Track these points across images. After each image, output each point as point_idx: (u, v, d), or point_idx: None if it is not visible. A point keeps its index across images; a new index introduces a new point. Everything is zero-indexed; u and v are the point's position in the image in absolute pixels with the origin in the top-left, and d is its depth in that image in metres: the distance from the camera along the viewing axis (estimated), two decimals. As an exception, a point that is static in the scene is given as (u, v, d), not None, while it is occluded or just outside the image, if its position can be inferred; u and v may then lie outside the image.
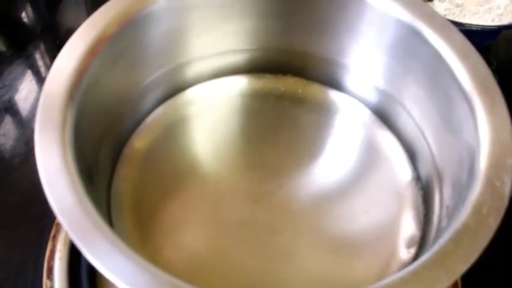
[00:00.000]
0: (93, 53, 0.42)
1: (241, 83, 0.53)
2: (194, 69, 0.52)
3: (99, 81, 0.43)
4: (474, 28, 0.57)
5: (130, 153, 0.48)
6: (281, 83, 0.54)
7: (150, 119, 0.51)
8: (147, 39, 0.48)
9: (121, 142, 0.49)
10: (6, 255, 0.52)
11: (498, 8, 0.59)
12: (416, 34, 0.45)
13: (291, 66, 0.54)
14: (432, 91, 0.47)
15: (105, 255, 0.32)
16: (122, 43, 0.45)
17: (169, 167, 0.48)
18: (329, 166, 0.48)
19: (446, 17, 0.57)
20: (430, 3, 0.59)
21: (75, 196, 0.35)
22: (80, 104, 0.40)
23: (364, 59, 0.52)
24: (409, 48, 0.47)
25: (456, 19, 0.58)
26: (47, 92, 0.39)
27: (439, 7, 0.60)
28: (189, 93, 0.53)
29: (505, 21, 0.59)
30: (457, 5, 0.59)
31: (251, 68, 0.53)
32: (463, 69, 0.43)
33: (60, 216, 0.34)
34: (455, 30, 0.45)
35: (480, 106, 0.41)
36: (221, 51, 0.53)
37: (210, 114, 0.51)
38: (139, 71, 0.49)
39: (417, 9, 0.46)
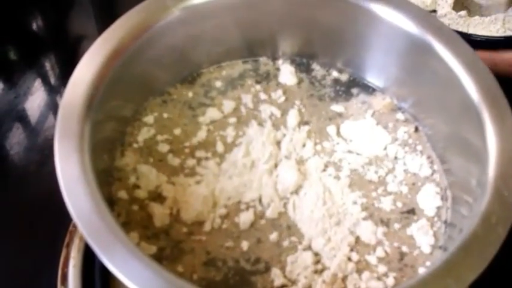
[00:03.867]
0: (109, 65, 0.44)
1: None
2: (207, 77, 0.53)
3: (115, 92, 0.44)
4: (479, 39, 0.57)
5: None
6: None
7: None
8: (162, 50, 0.49)
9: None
10: (20, 262, 0.52)
11: (504, 18, 0.59)
12: (425, 46, 0.46)
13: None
14: (441, 102, 0.47)
15: (122, 262, 0.33)
16: (137, 55, 0.46)
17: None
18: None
19: (450, 26, 0.57)
20: (433, 14, 0.59)
21: (94, 204, 0.35)
22: (97, 113, 0.41)
23: (374, 69, 0.53)
24: (418, 59, 0.48)
25: (460, 29, 0.58)
26: (66, 102, 0.40)
27: (443, 17, 0.60)
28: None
29: (511, 32, 0.60)
30: (460, 16, 0.59)
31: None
32: (471, 80, 0.44)
33: (79, 224, 0.34)
34: (463, 43, 0.46)
35: (488, 117, 0.42)
36: (234, 60, 0.55)
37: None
38: (151, 81, 0.51)
39: (426, 21, 0.47)
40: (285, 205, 0.45)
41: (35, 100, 0.67)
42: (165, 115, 0.50)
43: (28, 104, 0.66)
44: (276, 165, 0.47)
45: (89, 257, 0.47)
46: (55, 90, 0.69)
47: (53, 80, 0.70)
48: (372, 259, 0.43)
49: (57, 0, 0.80)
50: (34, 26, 0.78)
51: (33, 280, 0.51)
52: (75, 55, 0.44)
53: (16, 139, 0.62)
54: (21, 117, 0.65)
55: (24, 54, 0.73)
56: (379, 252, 0.43)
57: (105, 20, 0.46)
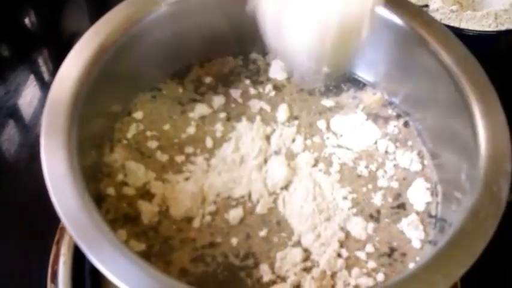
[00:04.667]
0: (97, 60, 0.43)
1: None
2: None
3: (104, 87, 0.44)
4: (471, 33, 0.57)
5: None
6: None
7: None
8: (151, 45, 0.48)
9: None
10: (10, 259, 0.52)
11: (496, 13, 0.58)
12: (416, 41, 0.46)
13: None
14: (431, 97, 0.47)
15: (110, 260, 0.33)
16: (125, 50, 0.46)
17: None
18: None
19: (442, 21, 0.57)
20: (426, 8, 0.58)
21: (81, 201, 0.35)
22: (84, 109, 0.41)
23: (364, 64, 0.52)
24: (409, 54, 0.48)
25: (452, 24, 0.58)
26: (52, 98, 0.40)
27: (435, 11, 0.59)
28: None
29: (503, 27, 0.59)
30: (452, 10, 0.59)
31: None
32: (461, 75, 0.43)
33: (66, 222, 0.34)
34: (454, 38, 0.46)
35: (478, 112, 0.42)
36: (224, 57, 0.54)
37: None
38: (140, 76, 0.50)
39: (417, 16, 0.47)
40: (274, 201, 0.45)
41: (27, 96, 0.66)
42: (155, 111, 0.50)
43: (20, 100, 0.66)
44: (265, 161, 0.47)
45: (79, 254, 0.47)
46: (48, 87, 0.68)
47: (45, 76, 0.70)
48: (361, 255, 0.42)
49: (50, -5, 0.79)
50: (27, 22, 0.78)
51: (22, 277, 0.51)
52: (69, 51, 0.43)
53: (7, 135, 0.62)
54: (12, 114, 0.64)
55: (17, 50, 0.73)
56: (369, 248, 0.43)
57: (98, 16, 0.46)
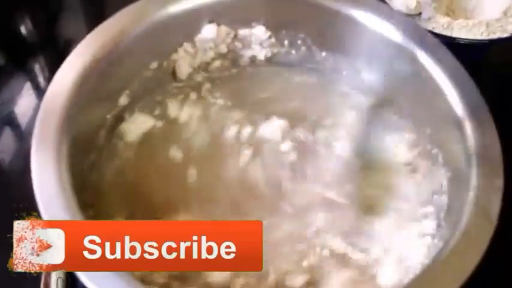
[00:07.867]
0: (90, 71, 0.43)
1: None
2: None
3: (95, 99, 0.44)
4: (462, 42, 0.57)
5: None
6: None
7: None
8: (144, 56, 0.49)
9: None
10: (2, 270, 0.52)
11: (488, 21, 0.58)
12: (408, 55, 0.47)
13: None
14: (423, 111, 0.47)
15: (101, 277, 0.34)
16: (119, 61, 0.46)
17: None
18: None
19: (434, 30, 0.57)
20: (418, 17, 0.59)
21: (72, 218, 0.35)
22: (77, 122, 0.41)
23: (357, 76, 0.53)
24: (401, 67, 0.48)
25: (444, 32, 0.58)
26: (44, 112, 0.41)
27: (427, 20, 0.59)
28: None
29: (495, 36, 0.59)
30: (444, 19, 0.59)
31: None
32: (453, 90, 0.44)
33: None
34: (445, 51, 0.46)
35: (469, 126, 0.42)
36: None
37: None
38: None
39: (409, 30, 0.47)
40: None
41: (22, 105, 0.66)
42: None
43: (15, 109, 0.66)
44: None
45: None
46: (43, 96, 0.68)
47: (41, 85, 0.70)
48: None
49: (46, 3, 0.79)
50: (23, 30, 0.78)
51: (15, 288, 0.51)
52: (65, 59, 0.44)
53: (1, 145, 0.62)
54: (7, 122, 0.64)
55: (12, 58, 0.73)
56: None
57: (95, 25, 0.46)
